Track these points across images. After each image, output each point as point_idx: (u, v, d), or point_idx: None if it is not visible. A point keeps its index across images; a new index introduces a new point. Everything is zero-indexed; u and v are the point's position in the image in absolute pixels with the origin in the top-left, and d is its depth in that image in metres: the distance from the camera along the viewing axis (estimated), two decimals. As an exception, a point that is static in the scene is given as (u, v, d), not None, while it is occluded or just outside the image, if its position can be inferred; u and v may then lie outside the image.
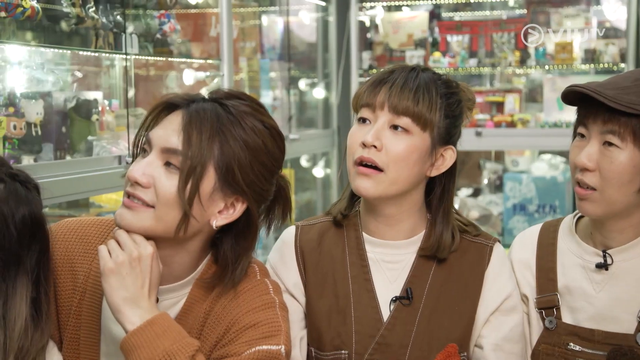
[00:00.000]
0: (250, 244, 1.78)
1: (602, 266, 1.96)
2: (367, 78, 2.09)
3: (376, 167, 1.90)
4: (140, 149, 1.75)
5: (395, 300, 1.97)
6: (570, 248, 2.04)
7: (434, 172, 1.96)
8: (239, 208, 1.73)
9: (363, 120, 1.95)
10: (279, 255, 2.09)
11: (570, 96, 1.94)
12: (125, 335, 1.58)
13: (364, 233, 2.03)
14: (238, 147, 1.69)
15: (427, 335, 1.93)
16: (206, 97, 1.76)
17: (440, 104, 1.92)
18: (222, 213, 1.72)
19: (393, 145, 1.90)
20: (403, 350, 1.94)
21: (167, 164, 1.67)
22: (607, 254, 1.95)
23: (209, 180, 1.68)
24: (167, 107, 1.74)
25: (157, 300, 1.74)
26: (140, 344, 1.56)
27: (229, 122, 1.70)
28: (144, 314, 1.59)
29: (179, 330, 1.61)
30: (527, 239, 2.15)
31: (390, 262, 2.01)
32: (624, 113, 1.84)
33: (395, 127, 1.90)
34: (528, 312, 2.07)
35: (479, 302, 1.94)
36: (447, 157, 1.96)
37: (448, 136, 1.95)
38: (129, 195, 1.69)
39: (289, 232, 2.11)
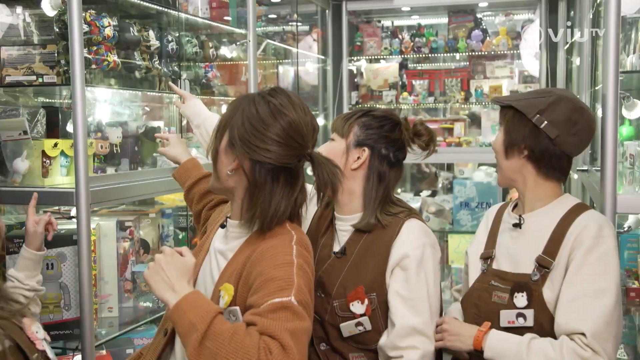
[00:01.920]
0: (257, 197, 1.76)
1: (517, 225, 2.01)
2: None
3: None
4: None
5: (333, 254, 2.08)
6: (505, 217, 2.10)
7: (354, 166, 2.08)
8: (235, 163, 1.77)
9: None
10: None
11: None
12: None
13: (335, 212, 2.16)
14: (240, 116, 1.77)
15: (349, 279, 2.02)
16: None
17: (357, 122, 2.10)
18: (229, 165, 1.79)
19: (323, 149, 2.10)
20: (332, 288, 2.03)
21: None
22: (521, 217, 2.01)
23: (224, 140, 1.79)
24: None
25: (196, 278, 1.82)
26: (175, 320, 1.56)
27: (247, 101, 1.79)
28: (176, 297, 1.59)
29: (202, 303, 1.58)
30: (489, 214, 2.21)
31: (343, 230, 2.12)
32: (504, 107, 2.04)
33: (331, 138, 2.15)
34: (468, 263, 2.16)
35: (388, 259, 1.99)
36: (362, 155, 2.08)
37: (363, 140, 2.09)
38: None
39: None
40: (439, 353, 2.04)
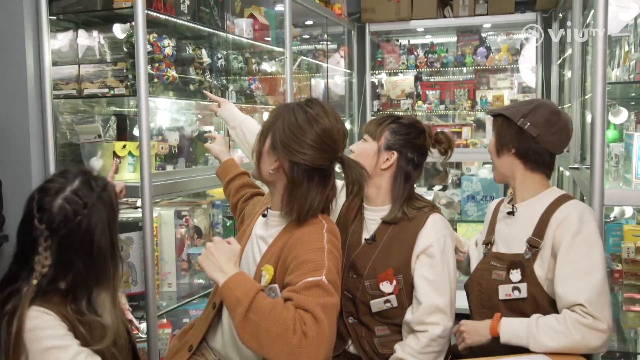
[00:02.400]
0: (294, 193, 1.76)
1: (510, 213, 2.04)
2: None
3: None
4: None
5: (365, 240, 2.06)
6: (502, 208, 2.11)
7: (383, 166, 2.06)
8: (277, 164, 1.76)
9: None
10: None
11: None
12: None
13: (364, 203, 2.15)
14: (281, 122, 1.76)
15: (379, 263, 2.01)
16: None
17: (388, 128, 2.07)
18: (271, 166, 1.78)
19: (357, 148, 2.10)
20: (363, 270, 2.03)
21: None
22: (514, 207, 2.03)
23: (267, 142, 1.78)
24: None
25: (241, 258, 1.82)
26: (224, 296, 1.59)
27: (287, 110, 1.77)
28: (224, 276, 1.60)
29: (246, 282, 1.59)
30: (490, 208, 2.22)
31: (371, 220, 2.11)
32: (495, 116, 2.06)
33: (364, 140, 2.10)
34: (469, 250, 2.24)
35: (414, 247, 1.98)
36: (391, 158, 2.06)
37: (392, 145, 2.06)
38: None
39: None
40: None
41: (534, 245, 1.91)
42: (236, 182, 2.33)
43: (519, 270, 1.92)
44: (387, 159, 2.06)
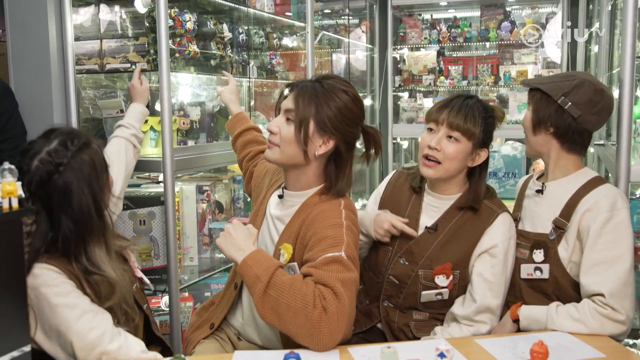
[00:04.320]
0: (343, 168, 1.81)
1: (539, 191, 1.98)
2: (421, 101, 2.12)
3: (436, 161, 1.93)
4: (276, 112, 1.84)
5: (426, 228, 1.99)
6: (530, 184, 2.06)
7: (473, 164, 1.97)
8: (331, 144, 1.77)
9: (430, 129, 1.98)
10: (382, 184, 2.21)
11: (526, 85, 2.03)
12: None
13: (427, 187, 2.06)
14: (328, 107, 1.74)
15: (437, 254, 1.95)
16: (313, 79, 1.81)
17: (480, 123, 1.93)
18: (320, 147, 1.76)
19: (447, 149, 1.92)
20: (419, 258, 1.96)
21: (287, 119, 1.77)
22: (543, 184, 1.98)
23: (311, 127, 1.74)
24: (290, 86, 1.82)
25: (258, 237, 1.80)
26: (243, 273, 1.60)
27: (322, 93, 1.75)
28: (243, 254, 1.62)
29: (264, 259, 1.60)
30: (518, 185, 2.18)
31: (434, 207, 2.03)
32: (532, 89, 1.98)
33: (450, 137, 1.93)
34: None
35: (477, 244, 1.92)
36: (482, 155, 1.97)
37: (484, 142, 1.96)
38: (268, 140, 1.81)
39: (392, 173, 2.21)
40: None
41: (559, 227, 1.87)
42: (242, 138, 2.31)
43: (542, 251, 1.89)
44: (478, 154, 1.98)
